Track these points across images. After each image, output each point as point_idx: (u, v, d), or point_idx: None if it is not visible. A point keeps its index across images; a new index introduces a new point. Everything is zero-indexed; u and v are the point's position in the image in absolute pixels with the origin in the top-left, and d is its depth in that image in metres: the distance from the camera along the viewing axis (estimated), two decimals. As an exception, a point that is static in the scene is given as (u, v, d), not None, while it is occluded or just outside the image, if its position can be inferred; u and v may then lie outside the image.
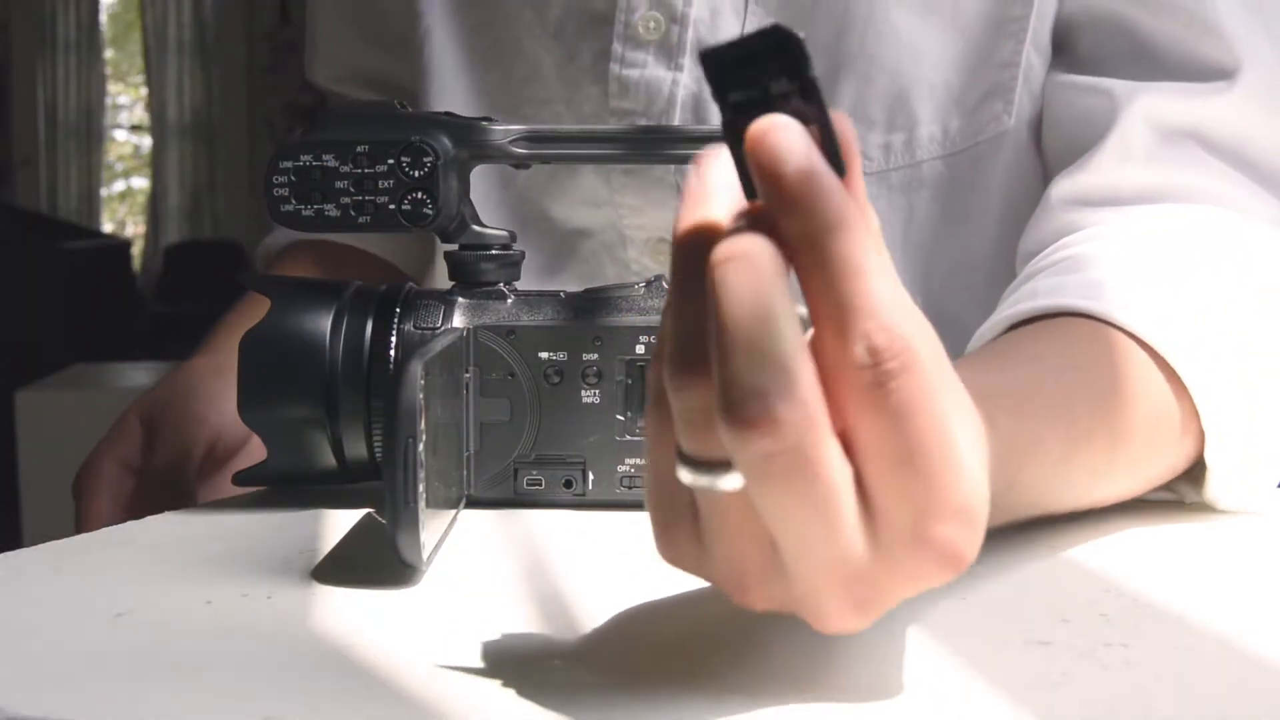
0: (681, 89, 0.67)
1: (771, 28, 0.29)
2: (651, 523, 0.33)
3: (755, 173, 0.29)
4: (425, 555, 0.41)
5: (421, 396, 0.39)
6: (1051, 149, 0.66)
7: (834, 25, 0.65)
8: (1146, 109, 0.60)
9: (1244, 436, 0.50)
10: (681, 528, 0.32)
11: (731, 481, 0.30)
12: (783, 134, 0.29)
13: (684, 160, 0.54)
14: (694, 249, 0.30)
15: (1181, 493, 0.53)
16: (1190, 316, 0.50)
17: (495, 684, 0.33)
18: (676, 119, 0.67)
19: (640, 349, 0.51)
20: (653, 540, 0.33)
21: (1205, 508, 0.52)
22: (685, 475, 0.30)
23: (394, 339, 0.52)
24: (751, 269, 0.28)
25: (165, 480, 0.67)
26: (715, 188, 0.31)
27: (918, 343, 0.29)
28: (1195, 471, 0.52)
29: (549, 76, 0.70)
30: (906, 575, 0.30)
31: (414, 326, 0.52)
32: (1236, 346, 0.51)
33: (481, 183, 0.54)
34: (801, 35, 0.29)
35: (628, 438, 0.51)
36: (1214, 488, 0.51)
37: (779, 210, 0.29)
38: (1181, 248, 0.55)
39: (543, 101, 0.70)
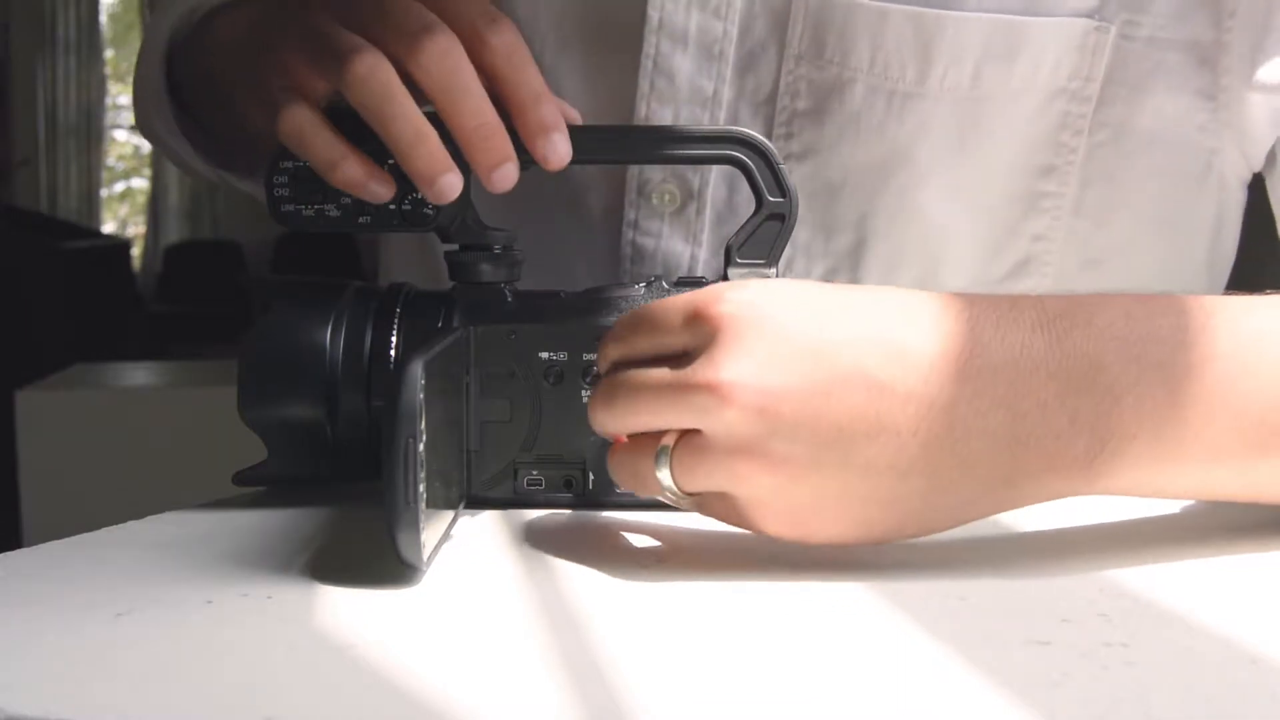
0: (701, 264, 0.66)
1: None
2: None
3: None
4: (425, 555, 0.41)
5: (421, 396, 0.39)
6: None
7: (859, 206, 0.65)
8: None
9: None
10: None
11: None
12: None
13: (692, 160, 0.54)
14: None
15: None
16: None
17: (495, 684, 0.33)
18: None
19: (640, 349, 0.51)
20: None
21: (1198, 508, 0.52)
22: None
23: (394, 339, 0.52)
24: None
25: None
26: None
27: None
28: None
29: (562, 227, 0.69)
30: None
31: (414, 326, 0.52)
32: None
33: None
34: None
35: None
36: None
37: None
38: None
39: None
